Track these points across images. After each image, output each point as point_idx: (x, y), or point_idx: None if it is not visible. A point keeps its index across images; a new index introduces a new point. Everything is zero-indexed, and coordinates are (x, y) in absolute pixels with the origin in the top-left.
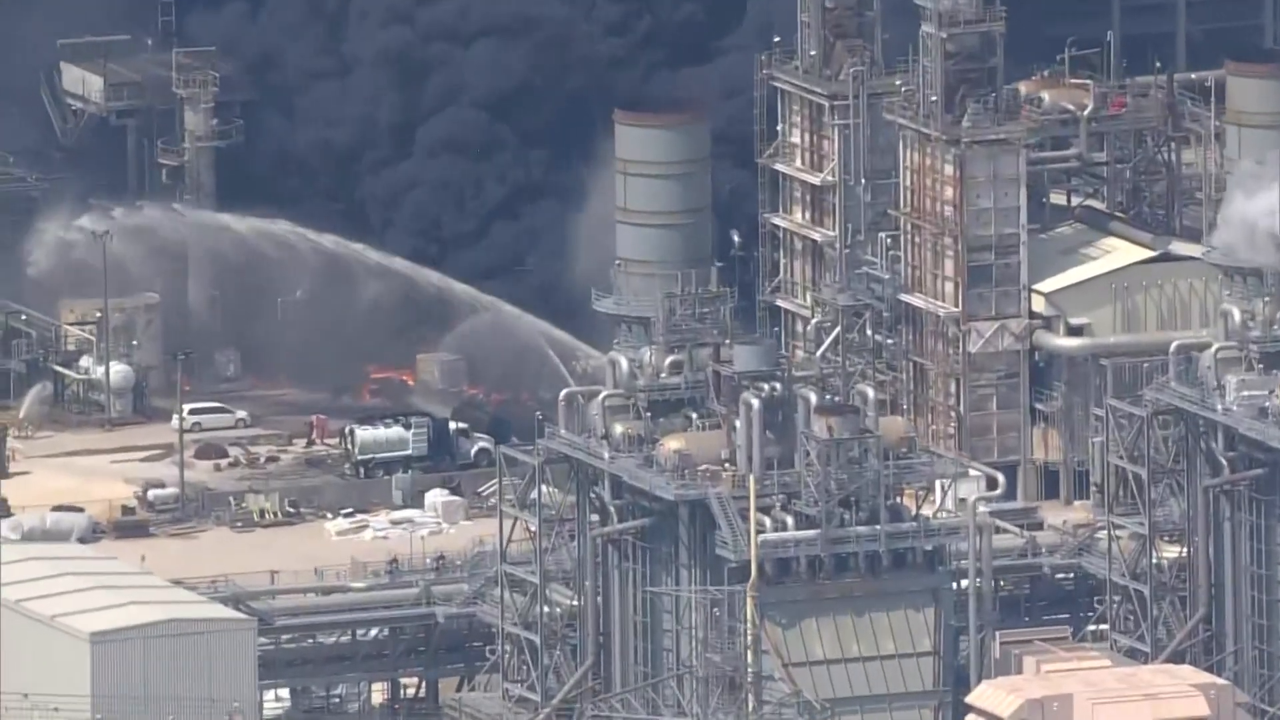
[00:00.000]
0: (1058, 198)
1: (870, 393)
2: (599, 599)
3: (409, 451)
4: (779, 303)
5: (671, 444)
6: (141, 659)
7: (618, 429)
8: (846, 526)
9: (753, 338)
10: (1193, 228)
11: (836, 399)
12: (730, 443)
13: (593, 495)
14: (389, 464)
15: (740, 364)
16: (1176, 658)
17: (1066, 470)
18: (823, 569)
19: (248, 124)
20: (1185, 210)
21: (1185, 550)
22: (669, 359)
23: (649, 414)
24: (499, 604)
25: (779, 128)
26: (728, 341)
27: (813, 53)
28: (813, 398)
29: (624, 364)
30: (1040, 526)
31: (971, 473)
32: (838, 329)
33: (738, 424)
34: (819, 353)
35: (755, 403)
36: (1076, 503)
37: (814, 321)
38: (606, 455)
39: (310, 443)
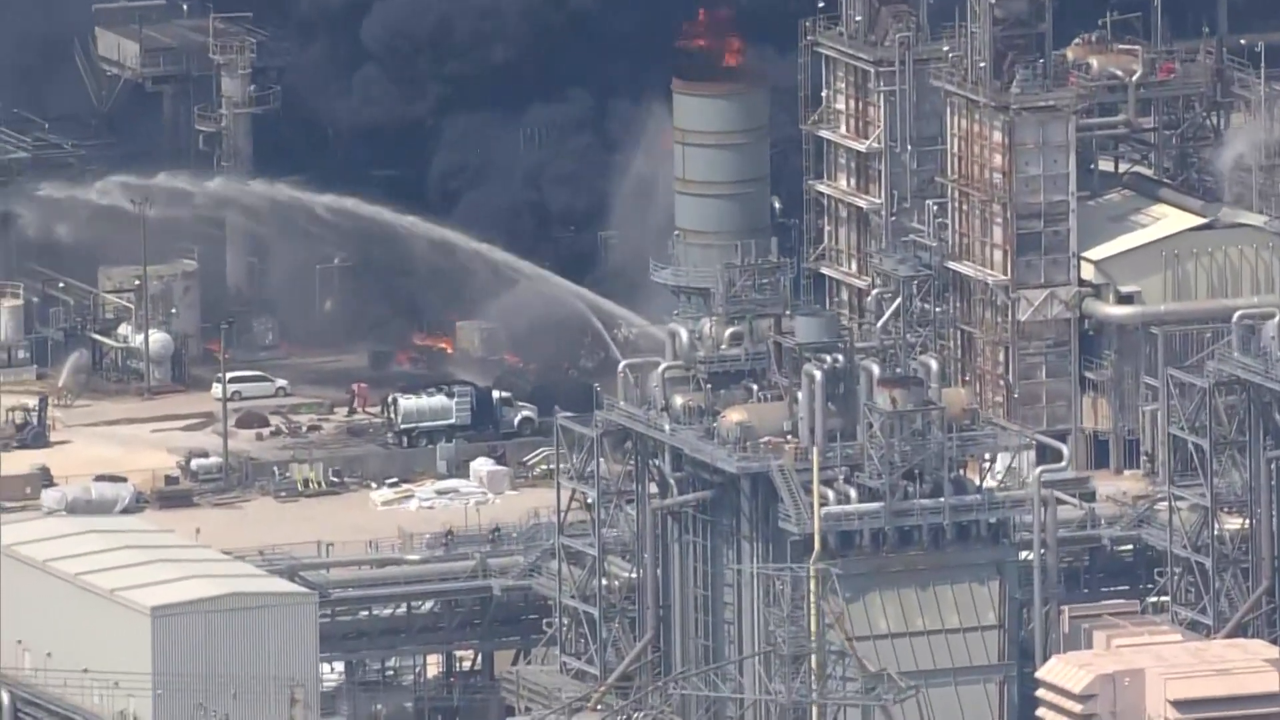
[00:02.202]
0: (1105, 164)
1: (933, 364)
2: (659, 572)
3: (452, 420)
4: (824, 270)
5: (733, 416)
6: (203, 633)
7: (678, 401)
8: (910, 499)
9: (814, 309)
10: (1241, 194)
11: (899, 371)
12: (792, 414)
13: (652, 467)
14: (432, 433)
15: (802, 335)
16: (1239, 631)
17: (1116, 439)
18: (886, 542)
19: (284, 89)
20: (1234, 176)
21: (1248, 522)
22: (729, 330)
23: (709, 386)
24: (557, 576)
25: (824, 94)
26: (788, 312)
27: (858, 19)
28: (875, 369)
29: (684, 335)
30: (1092, 496)
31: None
32: (899, 300)
33: (800, 396)
34: (879, 324)
35: (818, 375)
36: (1127, 472)
37: (874, 292)
38: (667, 427)
39: (351, 411)
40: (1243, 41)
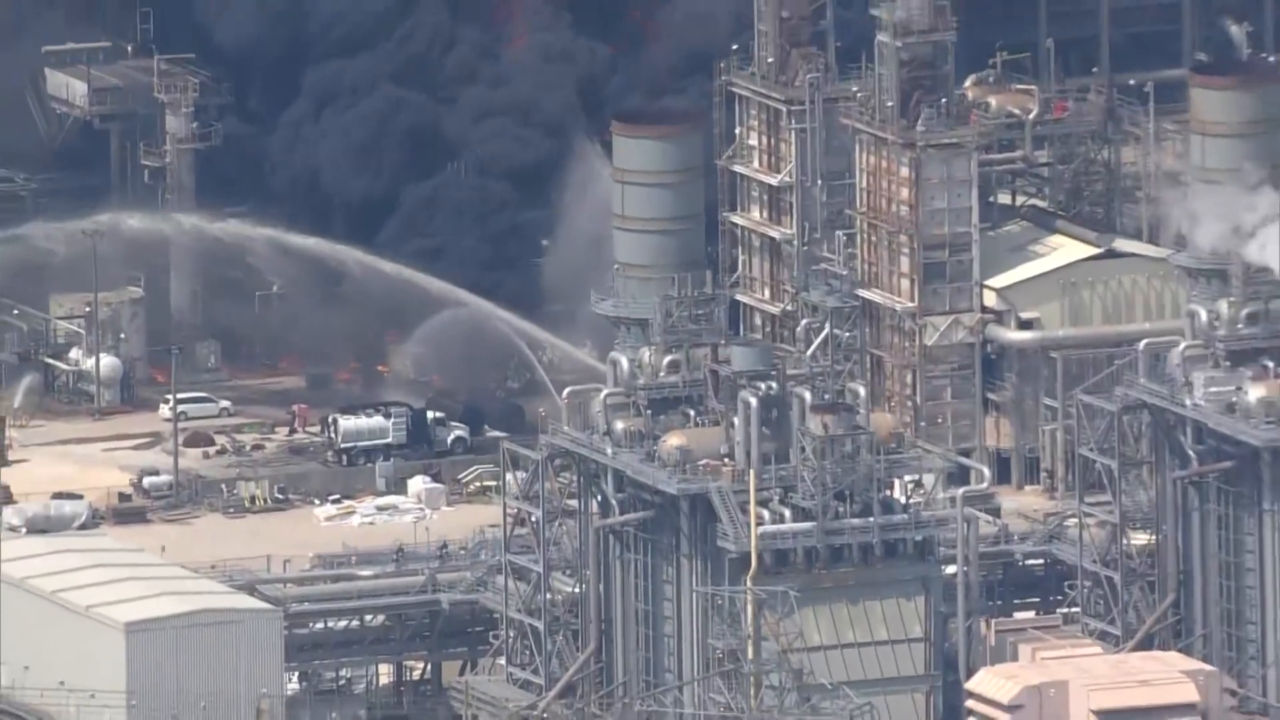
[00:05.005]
0: (1004, 197)
1: (861, 390)
2: (601, 587)
3: (389, 440)
4: (738, 297)
5: (673, 440)
6: (175, 648)
7: (619, 425)
8: (841, 519)
9: (749, 339)
10: (1132, 225)
11: (828, 397)
12: (729, 438)
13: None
14: (370, 451)
15: (737, 364)
16: (1146, 641)
17: (1018, 457)
18: (818, 559)
19: (226, 126)
20: (1124, 208)
21: (1154, 538)
22: (667, 358)
23: (649, 411)
24: (503, 592)
25: (737, 131)
26: (724, 342)
27: (770, 60)
28: (808, 396)
29: (625, 363)
30: (998, 511)
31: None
32: (826, 330)
33: (736, 421)
34: (809, 352)
35: (753, 401)
36: (1027, 488)
37: (804, 322)
38: (610, 451)
39: (292, 431)
40: (1131, 82)
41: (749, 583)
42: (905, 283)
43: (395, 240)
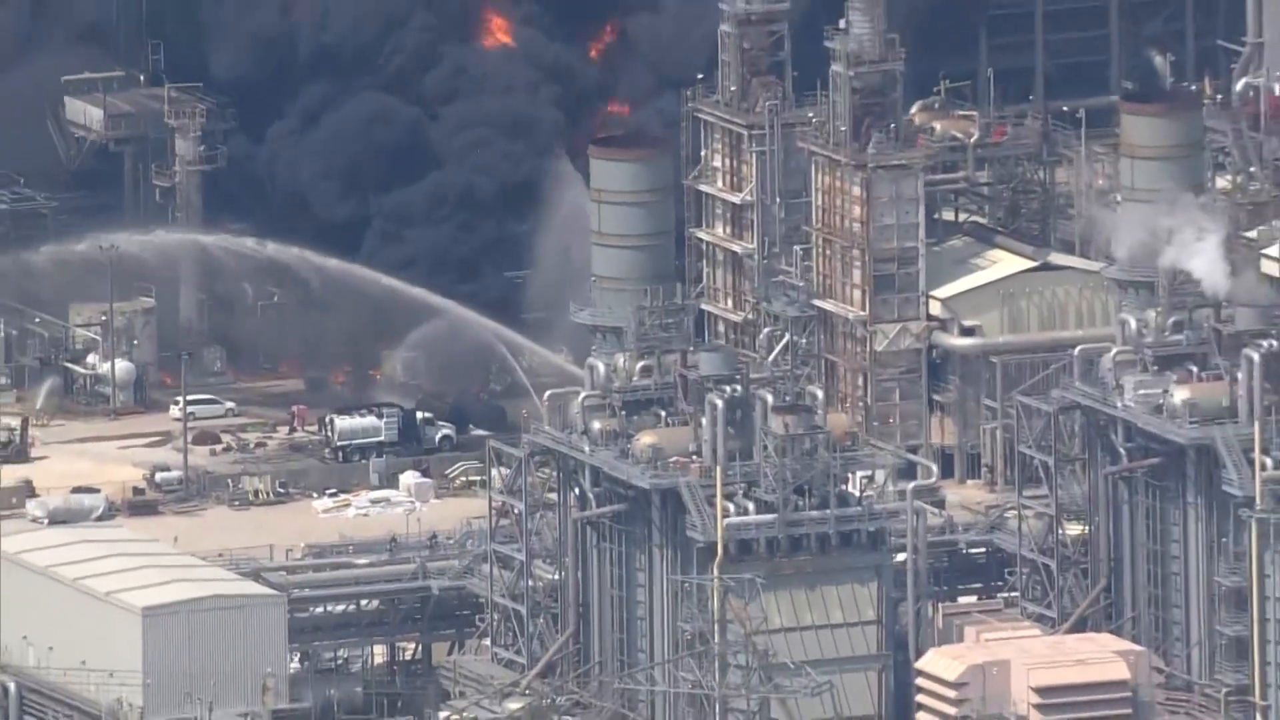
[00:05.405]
0: (947, 214)
1: (819, 393)
2: (579, 575)
3: (381, 438)
4: (703, 306)
5: (645, 438)
6: (188, 630)
7: (596, 425)
8: (800, 511)
9: (716, 345)
10: (1066, 240)
11: (789, 399)
12: (697, 437)
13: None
14: (364, 449)
15: (705, 368)
16: (1080, 624)
17: (960, 453)
18: (779, 548)
19: (230, 149)
20: (1059, 225)
21: (1087, 528)
22: (640, 364)
23: (623, 412)
24: (489, 578)
25: (703, 153)
26: (692, 348)
27: (732, 88)
28: (770, 398)
29: (601, 368)
30: (942, 504)
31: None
32: (787, 337)
33: (703, 421)
34: (770, 358)
35: (719, 403)
36: (969, 482)
37: (766, 330)
38: (587, 449)
39: (292, 429)
40: (1064, 108)
41: (716, 570)
42: (857, 293)
43: (376, 249)
